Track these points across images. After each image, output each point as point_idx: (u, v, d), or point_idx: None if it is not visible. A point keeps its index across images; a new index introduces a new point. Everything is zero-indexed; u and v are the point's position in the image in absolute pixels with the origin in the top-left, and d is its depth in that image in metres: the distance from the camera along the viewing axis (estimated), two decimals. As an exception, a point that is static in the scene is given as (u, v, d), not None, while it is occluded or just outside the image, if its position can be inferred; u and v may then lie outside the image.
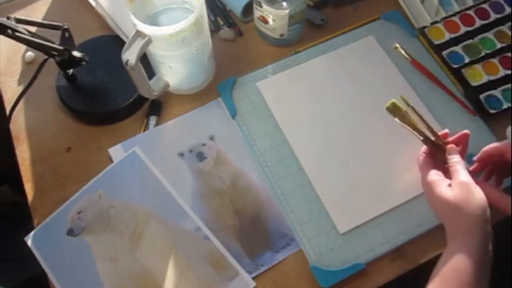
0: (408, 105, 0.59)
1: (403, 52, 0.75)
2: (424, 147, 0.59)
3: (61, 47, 0.65)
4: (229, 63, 0.77)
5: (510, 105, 0.70)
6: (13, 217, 1.08)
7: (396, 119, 0.58)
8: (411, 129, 0.58)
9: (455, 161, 0.56)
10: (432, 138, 0.59)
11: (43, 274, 0.62)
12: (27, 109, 0.74)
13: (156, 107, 0.73)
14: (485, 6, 0.76)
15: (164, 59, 0.66)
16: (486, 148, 0.58)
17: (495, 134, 0.69)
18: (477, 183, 0.53)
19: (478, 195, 0.51)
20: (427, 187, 0.55)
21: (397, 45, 0.75)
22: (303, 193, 0.65)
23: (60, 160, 0.70)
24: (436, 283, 0.49)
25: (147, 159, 0.68)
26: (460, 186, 0.52)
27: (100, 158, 0.69)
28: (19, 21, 0.63)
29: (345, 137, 0.69)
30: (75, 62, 0.68)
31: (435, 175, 0.55)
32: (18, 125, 0.73)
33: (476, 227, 0.50)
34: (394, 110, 0.58)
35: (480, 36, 0.74)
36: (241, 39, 0.80)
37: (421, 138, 0.58)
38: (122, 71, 0.62)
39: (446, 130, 0.60)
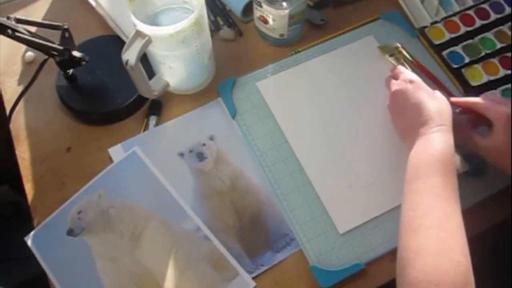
0: (387, 54, 0.75)
1: (404, 52, 0.75)
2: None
3: (61, 47, 0.65)
4: (229, 63, 0.77)
5: (510, 105, 0.70)
6: (13, 217, 1.08)
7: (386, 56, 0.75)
8: (396, 63, 0.73)
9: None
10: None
11: (43, 274, 0.62)
12: (27, 109, 0.74)
13: (156, 107, 0.73)
14: (485, 6, 0.76)
15: (164, 59, 0.66)
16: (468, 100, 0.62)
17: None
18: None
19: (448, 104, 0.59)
20: (412, 85, 0.61)
21: (398, 44, 0.75)
22: (303, 193, 0.65)
23: (60, 160, 0.70)
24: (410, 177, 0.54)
25: (147, 159, 0.68)
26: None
27: (100, 158, 0.69)
28: (19, 21, 0.63)
29: (345, 137, 0.69)
30: (75, 62, 0.68)
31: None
32: (18, 125, 0.73)
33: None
34: (384, 49, 0.75)
35: (480, 36, 0.74)
36: (241, 39, 0.79)
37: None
38: (122, 71, 0.62)
39: None
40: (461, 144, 0.63)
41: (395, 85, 0.64)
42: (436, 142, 0.54)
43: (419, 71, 0.73)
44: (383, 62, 0.75)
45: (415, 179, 0.54)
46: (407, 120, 0.61)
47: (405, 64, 0.72)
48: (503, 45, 0.73)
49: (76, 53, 0.67)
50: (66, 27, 0.67)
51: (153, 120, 0.72)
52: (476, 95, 0.61)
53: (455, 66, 0.73)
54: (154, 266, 0.61)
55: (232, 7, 0.80)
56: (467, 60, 0.73)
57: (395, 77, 0.66)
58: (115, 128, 0.72)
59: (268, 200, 0.65)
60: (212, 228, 0.63)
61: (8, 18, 0.61)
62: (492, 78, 0.72)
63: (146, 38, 0.60)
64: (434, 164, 0.53)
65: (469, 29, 0.75)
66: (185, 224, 0.64)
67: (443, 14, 0.77)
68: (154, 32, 0.60)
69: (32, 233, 0.64)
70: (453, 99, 0.62)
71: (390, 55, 0.74)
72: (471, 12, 0.76)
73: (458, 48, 0.74)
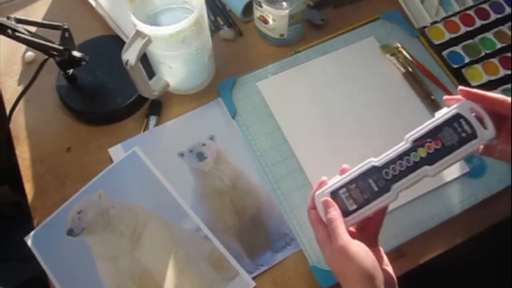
0: (388, 53, 0.75)
1: (404, 52, 0.75)
2: (309, 202, 0.52)
3: (61, 47, 0.65)
4: (229, 63, 0.77)
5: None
6: (13, 217, 1.08)
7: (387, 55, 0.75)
8: (397, 64, 0.74)
9: (332, 217, 0.47)
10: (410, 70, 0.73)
11: (43, 274, 0.62)
12: (27, 109, 0.74)
13: (156, 107, 0.73)
14: (485, 6, 0.76)
15: (164, 59, 0.66)
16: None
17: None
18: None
19: (356, 260, 0.44)
20: (319, 245, 0.50)
21: (398, 45, 0.75)
22: (303, 193, 0.65)
23: (60, 160, 0.70)
24: None
25: (147, 159, 0.68)
26: (338, 252, 0.46)
27: (100, 158, 0.69)
28: (19, 21, 0.63)
29: (345, 137, 0.69)
30: (75, 62, 0.68)
31: (323, 233, 0.49)
32: (18, 125, 0.73)
33: None
34: (385, 49, 0.76)
35: (480, 36, 0.74)
36: (241, 39, 0.79)
37: (403, 70, 0.73)
38: (122, 71, 0.62)
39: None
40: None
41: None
42: None
43: (419, 71, 0.73)
44: (384, 64, 0.75)
45: None
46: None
47: (406, 63, 0.73)
48: (503, 45, 0.73)
49: (76, 53, 0.67)
50: (66, 27, 0.67)
51: (153, 120, 0.72)
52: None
53: (455, 66, 0.73)
54: (154, 266, 0.61)
55: (232, 7, 0.80)
56: (467, 60, 0.73)
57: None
58: (115, 128, 0.72)
59: (268, 200, 0.66)
60: (212, 228, 0.63)
61: (8, 18, 0.61)
62: (492, 78, 0.72)
63: (146, 38, 0.60)
64: None
65: (469, 29, 0.75)
66: (185, 224, 0.64)
67: (443, 14, 0.77)
68: (154, 32, 0.60)
69: (32, 233, 0.64)
70: (462, 88, 0.47)
71: (391, 55, 0.74)
72: (471, 12, 0.76)
73: (458, 48, 0.74)
